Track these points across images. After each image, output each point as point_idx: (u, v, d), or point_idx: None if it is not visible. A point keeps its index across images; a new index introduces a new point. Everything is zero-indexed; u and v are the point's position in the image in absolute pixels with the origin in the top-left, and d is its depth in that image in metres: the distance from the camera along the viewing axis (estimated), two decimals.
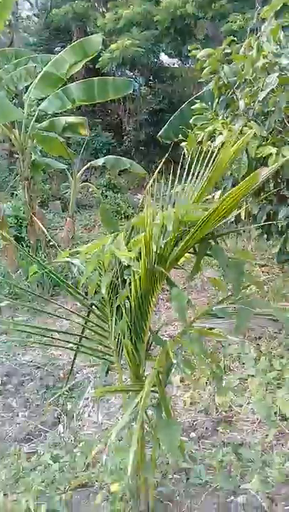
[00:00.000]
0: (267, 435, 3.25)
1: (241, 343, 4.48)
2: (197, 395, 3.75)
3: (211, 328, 2.14)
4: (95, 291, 2.07)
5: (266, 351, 4.32)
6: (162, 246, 1.73)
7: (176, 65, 13.82)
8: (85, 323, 2.16)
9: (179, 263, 2.12)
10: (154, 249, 1.68)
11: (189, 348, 1.66)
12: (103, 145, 11.86)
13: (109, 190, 10.06)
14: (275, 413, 3.42)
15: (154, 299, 1.89)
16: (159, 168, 2.39)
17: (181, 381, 3.95)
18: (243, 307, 1.80)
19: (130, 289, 1.89)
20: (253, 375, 3.94)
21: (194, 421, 3.49)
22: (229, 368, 4.16)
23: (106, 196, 9.79)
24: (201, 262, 1.87)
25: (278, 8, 2.99)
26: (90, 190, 9.13)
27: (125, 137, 12.19)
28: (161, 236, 1.76)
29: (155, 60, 12.51)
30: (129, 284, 1.93)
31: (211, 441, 3.26)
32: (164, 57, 13.51)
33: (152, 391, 2.08)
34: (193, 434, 3.35)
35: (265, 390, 3.70)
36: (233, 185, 3.84)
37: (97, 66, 10.88)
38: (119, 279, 2.05)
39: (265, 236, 4.05)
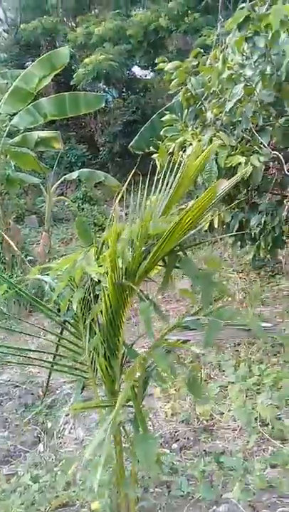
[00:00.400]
0: (248, 442, 3.26)
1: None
2: (178, 406, 3.75)
3: (185, 341, 2.14)
4: (68, 308, 2.05)
5: (245, 357, 4.35)
6: (130, 260, 1.73)
7: (148, 77, 13.99)
8: (59, 341, 2.15)
9: (150, 276, 2.13)
10: (120, 265, 1.68)
11: (157, 362, 1.66)
12: (78, 158, 11.88)
13: (85, 202, 10.06)
14: (256, 419, 3.43)
15: (125, 314, 1.89)
16: (127, 181, 2.39)
17: (162, 392, 3.94)
18: (213, 319, 1.81)
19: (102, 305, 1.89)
20: (233, 382, 3.96)
21: (176, 432, 3.48)
22: (209, 376, 4.17)
23: (82, 209, 9.78)
24: (170, 274, 1.88)
25: (241, 20, 3.05)
26: (66, 203, 9.12)
27: (101, 149, 12.23)
28: (129, 250, 1.77)
29: (128, 71, 12.65)
30: (102, 299, 1.92)
31: (193, 452, 3.25)
32: (136, 69, 13.66)
33: (129, 406, 2.07)
34: (175, 446, 3.34)
35: (245, 397, 3.71)
36: None
37: (72, 82, 10.94)
38: (92, 295, 2.04)
39: (239, 243, 4.10)
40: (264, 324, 2.09)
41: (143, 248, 1.85)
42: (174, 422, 3.59)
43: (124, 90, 13.45)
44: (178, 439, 3.38)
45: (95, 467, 2.71)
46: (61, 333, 2.17)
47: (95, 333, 1.97)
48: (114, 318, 1.87)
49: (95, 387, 2.11)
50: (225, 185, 1.55)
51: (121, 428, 2.24)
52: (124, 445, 2.36)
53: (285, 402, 3.58)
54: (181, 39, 11.04)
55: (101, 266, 1.89)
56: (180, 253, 1.89)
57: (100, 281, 1.91)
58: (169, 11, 9.64)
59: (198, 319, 2.02)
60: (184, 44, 10.90)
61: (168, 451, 3.26)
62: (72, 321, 2.11)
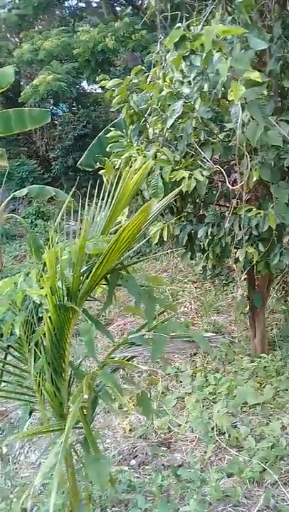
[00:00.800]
0: (205, 452, 3.29)
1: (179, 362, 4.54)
2: (136, 421, 3.74)
3: (132, 357, 2.15)
4: (10, 332, 2.01)
5: (202, 367, 4.41)
6: (70, 281, 1.72)
7: (98, 90, 14.06)
8: (3, 366, 2.10)
9: (96, 295, 2.13)
10: (60, 285, 1.67)
11: (104, 381, 1.65)
12: (29, 173, 11.74)
13: (38, 218, 9.92)
14: (212, 428, 3.47)
15: (69, 335, 1.87)
16: (69, 197, 2.40)
17: (120, 408, 3.92)
18: (158, 334, 1.83)
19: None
20: (189, 393, 3.99)
21: (134, 447, 3.46)
22: (167, 388, 4.19)
23: (36, 225, 9.64)
24: (113, 292, 1.89)
25: (177, 39, 3.13)
26: (18, 220, 8.96)
27: (53, 164, 12.15)
28: (69, 271, 1.76)
29: (78, 86, 12.67)
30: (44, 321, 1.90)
31: (151, 467, 3.24)
32: (85, 83, 13.69)
33: (80, 427, 2.05)
34: (133, 462, 3.33)
35: (202, 407, 3.75)
36: None
37: (20, 100, 10.85)
38: (35, 317, 2.02)
39: (189, 254, 4.16)
40: (207, 334, 2.13)
41: (84, 268, 1.86)
42: (133, 438, 3.58)
43: (74, 105, 13.45)
44: (136, 455, 3.37)
45: (49, 492, 2.67)
46: (5, 358, 2.13)
47: (40, 356, 1.95)
48: (58, 339, 1.85)
49: (43, 411, 2.07)
50: (157, 205, 1.58)
51: (73, 450, 2.21)
52: (78, 466, 2.33)
53: (240, 409, 3.66)
54: (130, 55, 11.19)
55: (43, 288, 1.87)
56: (122, 271, 1.90)
57: (42, 303, 1.89)
58: (115, 32, 9.75)
59: (143, 335, 2.04)
60: (133, 60, 11.06)
61: (126, 468, 3.24)
62: (16, 345, 2.07)
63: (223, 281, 6.45)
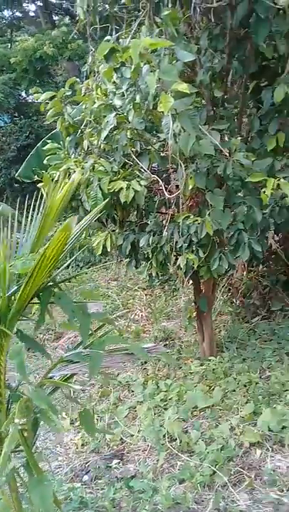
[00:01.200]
0: (158, 460, 3.30)
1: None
2: (88, 435, 3.69)
3: (72, 375, 2.13)
4: None
5: (153, 374, 4.42)
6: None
7: (40, 100, 13.86)
8: None
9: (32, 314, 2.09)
10: None
11: (38, 404, 1.62)
12: None
13: None
14: (164, 436, 3.49)
15: (3, 358, 1.83)
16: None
17: (71, 423, 3.87)
18: (94, 351, 1.82)
19: None
20: (141, 402, 3.99)
21: (86, 463, 3.42)
22: (119, 398, 4.18)
23: None
24: (45, 311, 1.86)
25: (106, 52, 3.15)
26: None
27: None
28: None
29: (18, 96, 12.46)
30: None
31: (104, 481, 3.21)
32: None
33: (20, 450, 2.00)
34: (86, 477, 3.28)
35: (154, 414, 3.76)
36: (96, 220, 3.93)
37: None
38: None
39: (134, 263, 4.19)
40: (147, 345, 2.14)
41: (15, 287, 1.82)
42: (85, 453, 3.53)
43: (16, 115, 13.22)
44: (89, 470, 3.33)
45: None
46: None
47: None
48: None
49: None
50: (75, 221, 1.58)
51: (17, 473, 2.15)
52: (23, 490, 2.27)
53: (190, 414, 3.70)
54: (71, 65, 11.14)
55: None
56: (53, 289, 1.88)
57: None
58: (53, 40, 9.69)
59: (81, 352, 2.02)
60: (74, 69, 11.02)
61: (78, 485, 3.19)
62: None
63: (173, 287, 6.52)
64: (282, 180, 3.10)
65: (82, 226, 1.73)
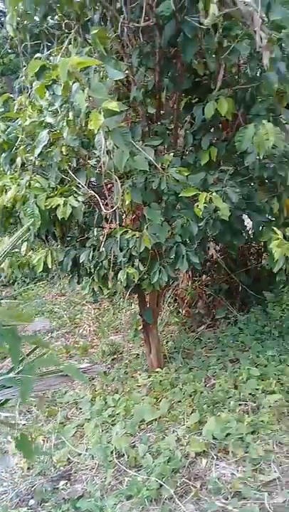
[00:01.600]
0: (106, 478, 3.26)
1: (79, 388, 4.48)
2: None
3: (6, 400, 2.08)
4: None
5: (101, 389, 4.38)
6: None
7: None
8: None
9: None
10: None
11: None
12: None
13: None
14: (112, 452, 3.46)
15: None
16: None
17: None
18: (23, 375, 1.79)
19: None
20: (89, 419, 3.94)
21: (32, 486, 3.33)
22: (67, 417, 4.11)
23: None
24: None
25: (37, 69, 3.15)
26: None
27: None
28: None
29: None
30: None
31: (51, 503, 3.14)
32: None
33: None
34: (32, 501, 3.20)
35: (101, 431, 3.73)
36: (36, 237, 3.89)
37: None
38: None
39: (77, 279, 4.16)
40: (82, 365, 2.13)
41: None
42: (31, 476, 3.44)
43: None
44: (34, 494, 3.24)
45: None
46: None
47: None
48: None
49: None
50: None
51: None
52: None
53: (138, 427, 3.69)
54: (9, 79, 10.98)
55: None
56: None
57: None
58: None
59: (14, 377, 1.98)
60: (9, 84, 10.86)
61: (24, 509, 3.10)
62: None
63: (121, 299, 6.53)
64: (214, 194, 3.19)
65: (13, 243, 1.70)
